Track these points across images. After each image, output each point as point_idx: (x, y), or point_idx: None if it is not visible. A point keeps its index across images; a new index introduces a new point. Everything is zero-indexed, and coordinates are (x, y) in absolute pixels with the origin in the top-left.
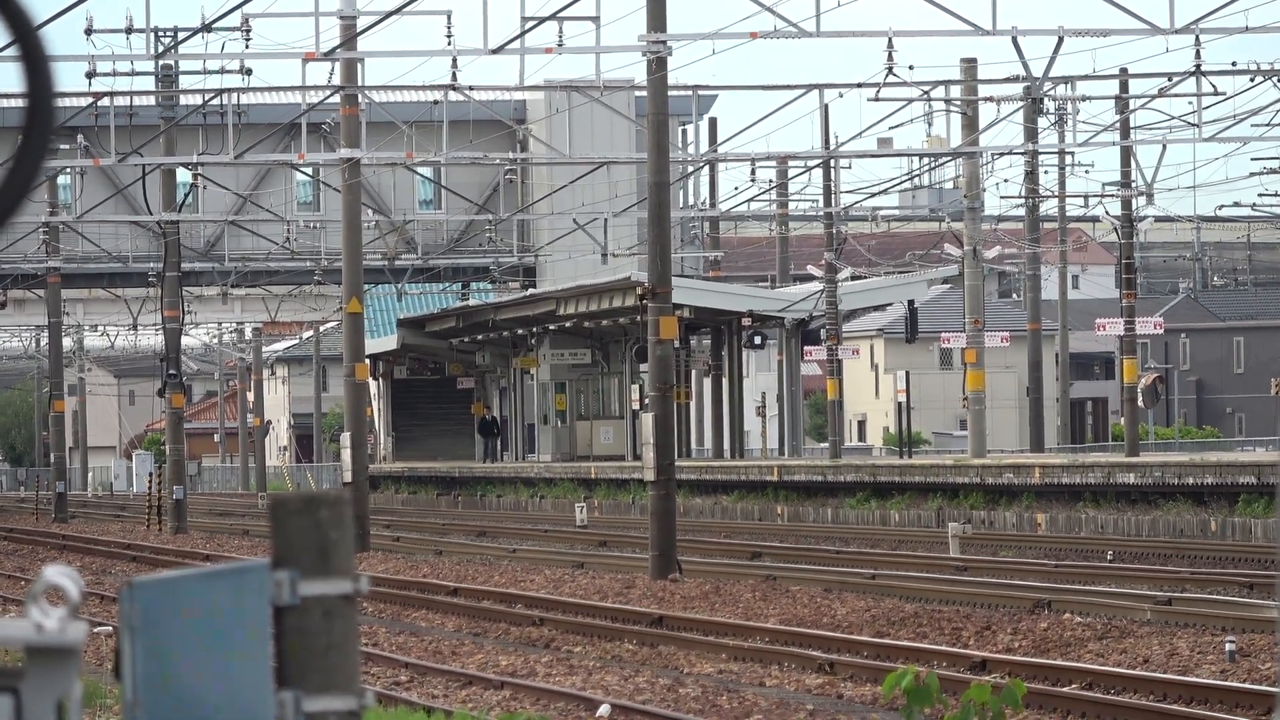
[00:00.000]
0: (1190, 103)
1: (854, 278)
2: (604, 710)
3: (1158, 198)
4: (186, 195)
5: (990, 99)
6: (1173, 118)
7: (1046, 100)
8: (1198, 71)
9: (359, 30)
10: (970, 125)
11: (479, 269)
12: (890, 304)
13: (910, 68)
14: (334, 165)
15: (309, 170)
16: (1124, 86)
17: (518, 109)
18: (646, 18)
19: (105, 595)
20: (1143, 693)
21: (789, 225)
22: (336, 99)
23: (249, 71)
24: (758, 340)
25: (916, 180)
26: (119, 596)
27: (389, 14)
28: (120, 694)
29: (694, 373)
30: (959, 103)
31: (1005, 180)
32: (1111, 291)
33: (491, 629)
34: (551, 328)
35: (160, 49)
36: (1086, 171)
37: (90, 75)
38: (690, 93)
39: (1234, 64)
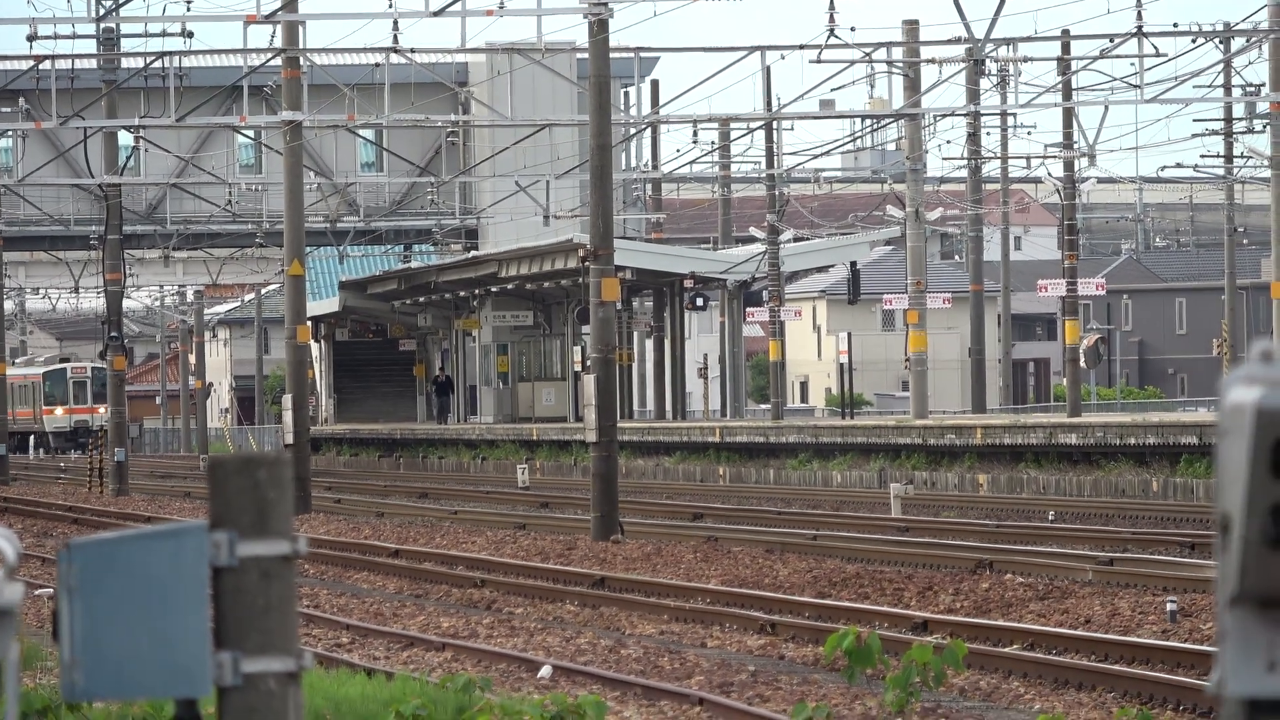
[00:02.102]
0: (1132, 64)
1: (796, 239)
2: (545, 671)
3: (1100, 159)
4: (128, 158)
5: (932, 61)
6: (1115, 79)
7: (988, 62)
8: (1139, 33)
9: None
10: (912, 87)
11: (421, 231)
12: (832, 265)
13: (852, 29)
14: (275, 128)
15: (250, 133)
16: (1066, 48)
17: (459, 71)
18: None
19: (46, 557)
20: (1084, 653)
21: (731, 187)
22: (278, 62)
23: (190, 34)
24: (700, 302)
25: (859, 142)
26: (57, 558)
27: None
28: (59, 655)
29: (636, 334)
30: (901, 64)
31: (947, 142)
32: (1054, 253)
33: (433, 590)
34: (493, 290)
35: (101, 11)
36: (1029, 133)
37: (31, 38)
38: (632, 55)
39: (1175, 25)
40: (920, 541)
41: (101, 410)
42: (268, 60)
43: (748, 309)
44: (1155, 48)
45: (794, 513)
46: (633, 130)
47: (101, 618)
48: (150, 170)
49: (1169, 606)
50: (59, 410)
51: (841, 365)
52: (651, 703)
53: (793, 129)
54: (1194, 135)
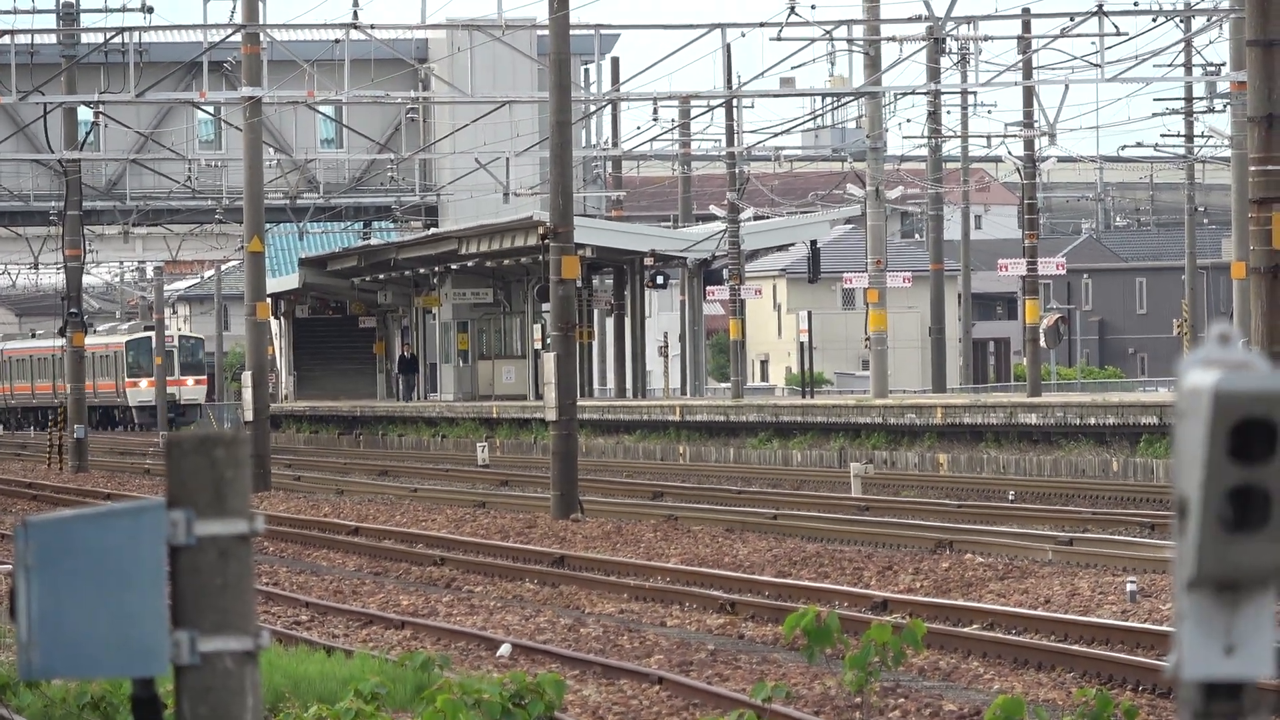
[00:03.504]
0: (1093, 43)
1: (756, 218)
2: (505, 650)
3: (1060, 138)
4: (88, 134)
5: (893, 39)
6: (1075, 58)
7: (949, 40)
8: (1100, 11)
9: None
10: (873, 65)
11: (381, 208)
12: (793, 244)
13: (813, 7)
14: (235, 104)
15: (210, 109)
16: (1026, 26)
17: (420, 48)
18: None
19: (4, 534)
20: (1044, 633)
21: (691, 165)
22: (238, 37)
23: (150, 9)
24: (660, 280)
25: (819, 120)
26: (14, 536)
27: None
28: (16, 634)
29: (596, 312)
30: (861, 42)
31: (908, 120)
32: (1014, 232)
33: (392, 568)
34: (453, 267)
35: None
36: (989, 112)
37: None
38: (592, 32)
39: (1136, 4)
40: (880, 521)
41: (191, 383)
42: (228, 36)
43: (708, 287)
44: (1116, 26)
45: (754, 492)
46: (593, 108)
47: (59, 596)
48: (110, 146)
49: (1129, 587)
50: (143, 383)
51: (802, 344)
52: (611, 681)
53: (753, 107)
54: (1154, 114)
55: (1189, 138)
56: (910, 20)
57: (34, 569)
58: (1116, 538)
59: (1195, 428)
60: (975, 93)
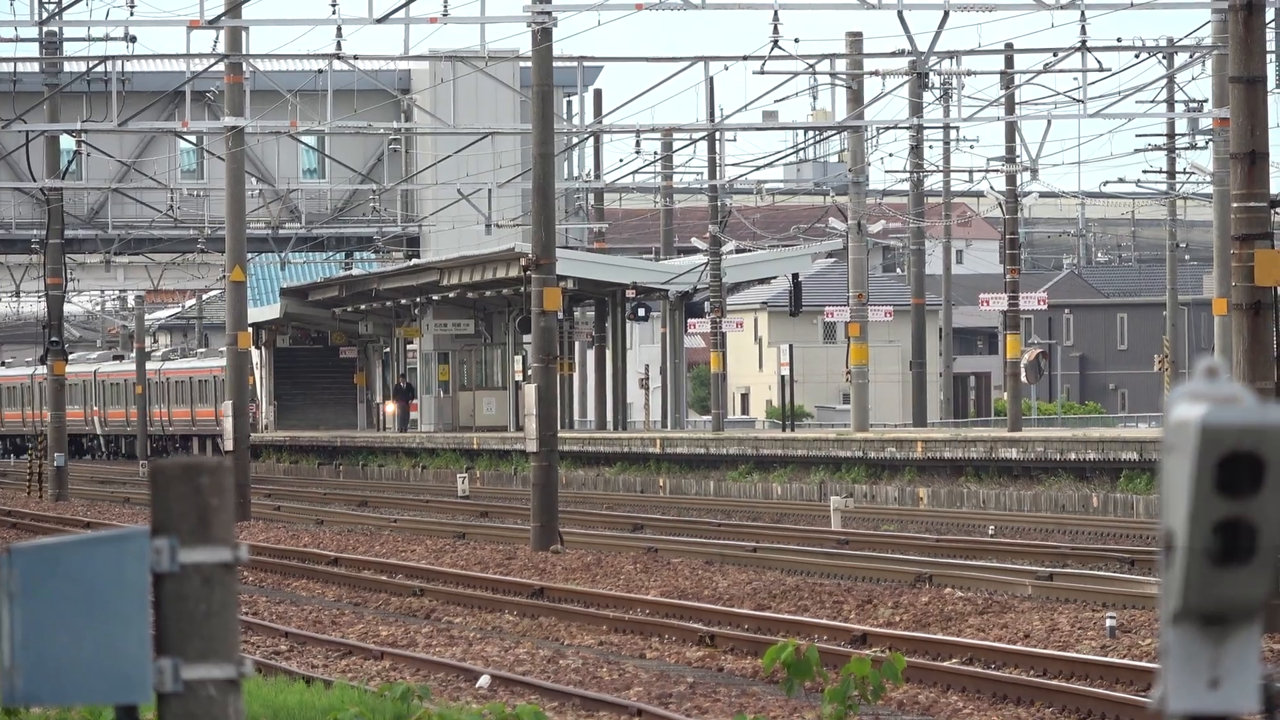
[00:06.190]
0: (1075, 78)
1: (738, 250)
2: (484, 681)
3: (1042, 173)
4: (70, 162)
5: (875, 73)
6: (1058, 93)
7: (932, 75)
8: (1083, 47)
9: None
10: (855, 99)
11: (363, 239)
12: (774, 277)
13: (796, 41)
14: (218, 134)
15: (193, 138)
16: (1009, 62)
17: (402, 79)
18: None
19: None
20: (1023, 667)
21: (673, 197)
22: (221, 67)
23: (133, 39)
24: (641, 312)
25: (801, 154)
26: None
27: None
28: None
29: (577, 344)
30: (844, 76)
31: (890, 154)
32: (995, 267)
33: (372, 599)
34: (435, 298)
35: (44, 15)
36: (971, 146)
37: None
38: (575, 64)
39: (1119, 40)
40: (860, 555)
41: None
42: (211, 65)
43: (689, 320)
44: (1099, 62)
45: (734, 524)
46: (575, 140)
47: (42, 623)
48: (92, 175)
49: (1108, 622)
50: None
51: (782, 377)
52: (590, 713)
53: (735, 140)
54: (1136, 150)
55: (1171, 174)
56: (893, 55)
57: (18, 596)
58: (1096, 573)
59: (1182, 461)
60: (958, 127)
